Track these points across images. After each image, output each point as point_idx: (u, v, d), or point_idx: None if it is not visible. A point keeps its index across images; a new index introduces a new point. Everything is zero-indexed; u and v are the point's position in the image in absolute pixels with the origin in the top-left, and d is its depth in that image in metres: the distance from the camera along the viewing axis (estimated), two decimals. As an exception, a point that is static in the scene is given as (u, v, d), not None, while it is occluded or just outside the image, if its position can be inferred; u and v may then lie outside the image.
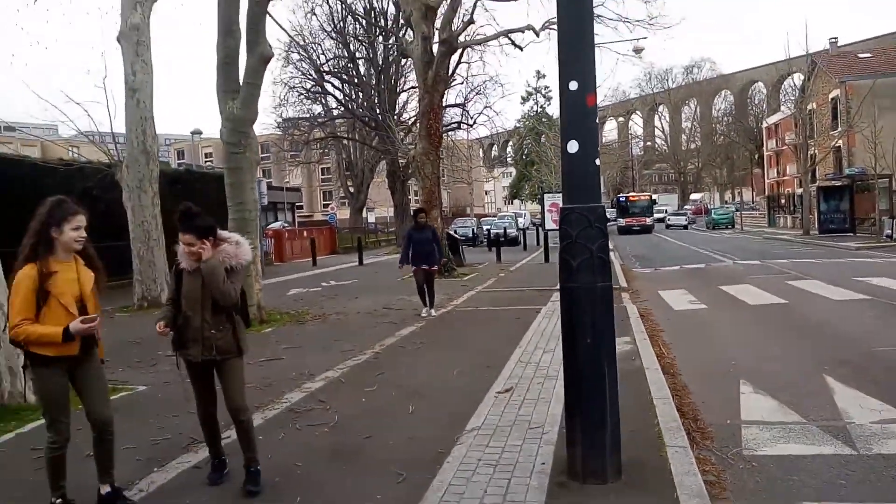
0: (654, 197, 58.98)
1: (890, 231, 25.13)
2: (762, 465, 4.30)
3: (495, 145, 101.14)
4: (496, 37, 21.67)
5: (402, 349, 8.41)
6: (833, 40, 44.34)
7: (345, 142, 45.86)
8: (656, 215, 61.00)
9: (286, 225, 40.34)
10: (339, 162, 52.44)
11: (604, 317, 3.75)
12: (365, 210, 53.37)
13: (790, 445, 4.61)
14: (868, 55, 41.48)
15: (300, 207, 63.45)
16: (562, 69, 3.86)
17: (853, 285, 12.26)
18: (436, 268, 11.78)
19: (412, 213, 12.97)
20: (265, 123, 39.77)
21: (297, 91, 38.23)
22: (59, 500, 3.67)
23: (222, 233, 4.17)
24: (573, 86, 3.80)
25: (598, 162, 3.80)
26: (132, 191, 13.50)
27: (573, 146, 3.74)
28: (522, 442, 4.62)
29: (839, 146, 38.77)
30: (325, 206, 79.45)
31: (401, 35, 32.93)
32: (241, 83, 10.70)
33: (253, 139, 11.23)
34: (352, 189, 50.48)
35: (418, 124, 20.95)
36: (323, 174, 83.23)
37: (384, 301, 13.20)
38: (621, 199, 50.65)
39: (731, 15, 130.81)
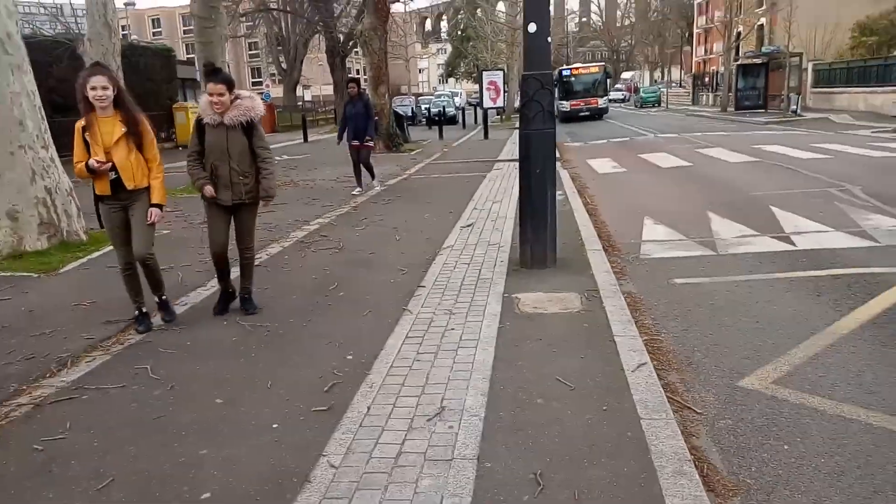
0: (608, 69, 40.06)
1: (795, 106, 27.60)
2: (652, 262, 6.19)
3: (429, 19, 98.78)
4: None
5: (374, 204, 9.96)
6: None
7: (276, 14, 44.50)
8: (612, 94, 50.59)
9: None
10: (270, 37, 50.92)
11: (549, 153, 5.39)
12: (301, 88, 52.72)
13: (672, 253, 6.50)
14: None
15: (229, 85, 61.33)
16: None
17: (750, 151, 14.39)
18: (370, 144, 10.89)
19: (345, 83, 11.77)
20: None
21: (227, -41, 36.54)
22: (137, 311, 4.63)
23: (236, 90, 4.56)
24: (531, -19, 5.18)
25: (549, 39, 5.27)
26: (95, 64, 13.95)
27: (532, 27, 5.19)
28: (486, 252, 6.37)
29: (762, 24, 40.71)
30: (255, 84, 77.05)
31: None
32: (208, -42, 11.27)
33: (221, 13, 11.93)
34: (284, 66, 49.47)
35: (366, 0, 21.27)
36: (250, 49, 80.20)
37: (342, 172, 14.45)
38: (564, 73, 35.45)
39: None
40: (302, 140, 26.80)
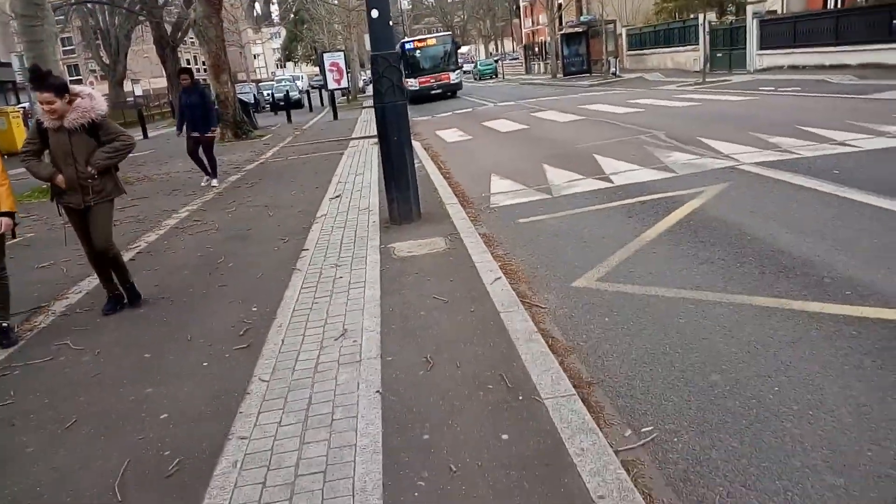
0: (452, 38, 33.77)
1: (614, 69, 30.37)
2: (500, 209, 7.19)
3: (258, 2, 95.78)
4: None
5: (237, 188, 10.26)
6: None
7: (90, 6, 41.54)
8: (464, 66, 42.17)
9: (26, 108, 36.47)
10: (86, 30, 47.46)
11: (403, 122, 6.17)
12: (130, 82, 49.66)
13: (516, 200, 7.53)
14: None
15: (43, 85, 56.12)
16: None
17: (576, 111, 16.05)
18: (210, 135, 10.60)
19: (177, 74, 11.32)
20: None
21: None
22: None
23: (73, 87, 4.39)
24: (370, -28, 5.90)
25: (391, 22, 6.01)
26: None
27: (375, 13, 5.90)
28: (357, 216, 7.07)
29: (579, -5, 43.83)
30: (74, 82, 70.87)
31: None
32: (25, -46, 10.81)
33: (48, 10, 11.48)
34: (106, 61, 46.39)
35: (195, -13, 20.73)
36: (64, 45, 73.80)
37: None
38: (407, 46, 30.75)
39: None
40: (142, 136, 25.70)
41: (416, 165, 9.95)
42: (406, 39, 32.76)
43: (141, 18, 39.02)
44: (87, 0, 39.83)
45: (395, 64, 6.01)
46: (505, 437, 2.68)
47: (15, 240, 4.78)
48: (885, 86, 13.77)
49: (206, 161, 10.78)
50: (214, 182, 10.76)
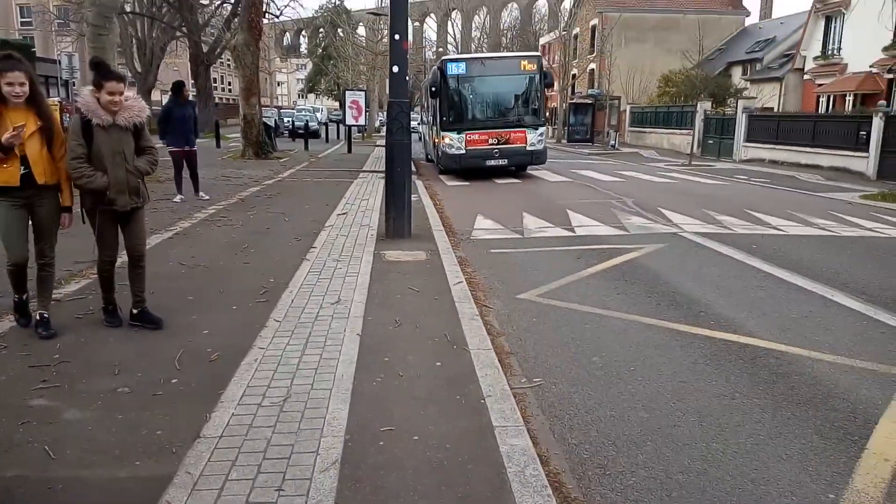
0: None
1: (613, 142, 32.34)
2: (478, 241, 8.60)
3: (288, 33, 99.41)
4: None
5: (258, 198, 11.70)
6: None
7: (130, 16, 43.84)
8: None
9: (62, 101, 38.21)
10: (124, 38, 49.73)
11: (406, 156, 7.67)
12: (159, 92, 51.72)
13: (493, 236, 8.96)
14: (626, -10, 48.65)
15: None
16: (392, 25, 7.47)
17: (567, 174, 17.67)
18: (195, 149, 11.02)
19: (172, 86, 11.06)
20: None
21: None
22: (17, 298, 4.54)
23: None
24: (397, 37, 7.44)
25: (407, 78, 7.53)
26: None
27: (395, 69, 7.43)
28: (359, 230, 8.49)
29: (593, 69, 46.33)
30: (102, 83, 72.82)
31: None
32: (104, -28, 12.48)
33: (115, 22, 13.11)
34: (139, 69, 48.56)
35: (239, 17, 22.62)
36: (96, 48, 76.20)
37: (218, 173, 15.95)
38: (450, 70, 16.14)
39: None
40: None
41: (413, 199, 11.48)
42: (452, 57, 20.64)
43: (179, 35, 41.31)
44: (132, 12, 42.20)
45: (406, 110, 7.52)
46: (438, 364, 4.03)
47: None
48: (838, 187, 15.44)
49: (190, 176, 11.02)
50: (202, 194, 10.99)
